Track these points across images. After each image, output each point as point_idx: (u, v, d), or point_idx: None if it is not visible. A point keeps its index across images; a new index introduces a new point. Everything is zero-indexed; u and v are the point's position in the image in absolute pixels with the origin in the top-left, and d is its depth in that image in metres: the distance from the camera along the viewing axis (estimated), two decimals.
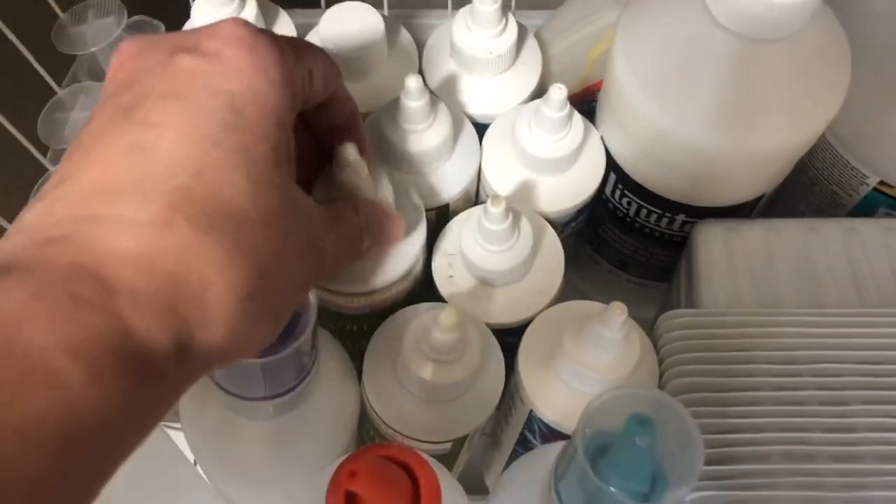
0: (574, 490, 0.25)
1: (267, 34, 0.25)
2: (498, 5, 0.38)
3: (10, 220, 0.37)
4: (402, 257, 0.35)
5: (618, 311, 0.30)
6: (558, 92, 0.35)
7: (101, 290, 0.19)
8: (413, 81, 0.35)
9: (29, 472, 0.16)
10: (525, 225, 0.35)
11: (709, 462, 0.31)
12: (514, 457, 0.40)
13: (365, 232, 0.30)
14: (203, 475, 0.39)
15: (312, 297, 0.27)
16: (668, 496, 0.24)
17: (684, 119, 0.35)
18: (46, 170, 0.41)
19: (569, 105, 0.36)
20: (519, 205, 0.37)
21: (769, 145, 0.35)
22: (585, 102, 0.45)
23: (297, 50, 0.26)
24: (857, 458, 0.32)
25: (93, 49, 0.40)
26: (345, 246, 0.29)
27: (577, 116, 0.38)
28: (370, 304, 0.35)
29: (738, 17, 0.33)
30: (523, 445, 0.39)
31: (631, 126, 0.38)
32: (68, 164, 0.22)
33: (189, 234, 0.20)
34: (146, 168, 0.21)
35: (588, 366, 0.32)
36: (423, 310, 0.35)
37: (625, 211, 0.43)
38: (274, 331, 0.24)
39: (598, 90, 0.43)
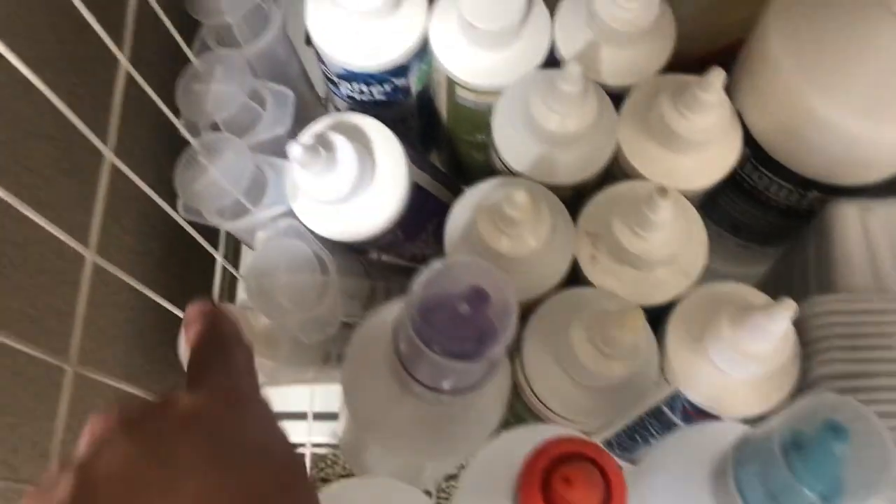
0: (753, 480, 0.27)
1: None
2: None
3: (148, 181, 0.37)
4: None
5: (787, 308, 0.31)
6: (716, 76, 0.35)
7: None
8: None
9: None
10: (678, 208, 0.35)
11: None
12: (642, 424, 0.42)
13: None
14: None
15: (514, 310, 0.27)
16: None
17: (839, 102, 0.35)
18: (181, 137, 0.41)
19: (721, 89, 0.36)
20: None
21: None
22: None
23: None
24: None
25: (228, 21, 0.39)
26: None
27: (723, 96, 0.37)
28: None
29: None
30: (654, 416, 0.41)
31: (776, 103, 0.38)
32: None
33: None
34: None
35: (747, 354, 0.33)
36: (587, 296, 0.36)
37: (752, 183, 0.43)
38: None
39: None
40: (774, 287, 0.48)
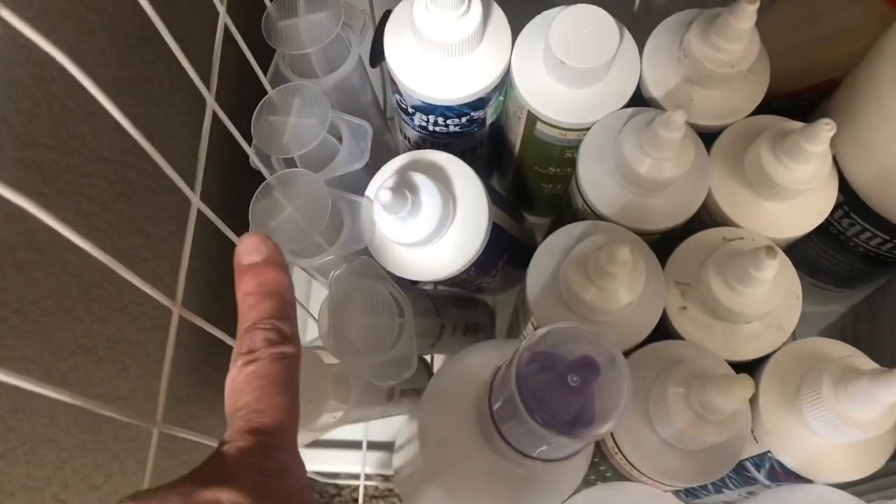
0: None
1: None
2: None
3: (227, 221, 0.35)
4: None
5: None
6: (826, 128, 0.33)
7: None
8: None
9: None
10: (780, 263, 0.34)
11: None
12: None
13: None
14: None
15: (626, 384, 0.26)
16: None
17: None
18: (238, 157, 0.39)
19: (828, 141, 0.34)
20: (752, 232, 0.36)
21: None
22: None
23: None
24: None
25: (308, 51, 0.38)
26: None
27: (827, 147, 0.36)
28: None
29: None
30: (735, 470, 0.39)
31: (882, 151, 0.36)
32: None
33: None
34: None
35: (849, 421, 0.32)
36: (678, 351, 0.34)
37: (841, 229, 0.41)
38: None
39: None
40: (853, 334, 0.47)
